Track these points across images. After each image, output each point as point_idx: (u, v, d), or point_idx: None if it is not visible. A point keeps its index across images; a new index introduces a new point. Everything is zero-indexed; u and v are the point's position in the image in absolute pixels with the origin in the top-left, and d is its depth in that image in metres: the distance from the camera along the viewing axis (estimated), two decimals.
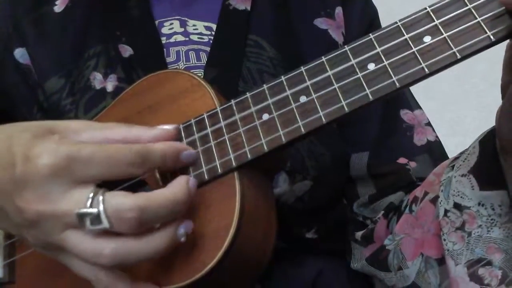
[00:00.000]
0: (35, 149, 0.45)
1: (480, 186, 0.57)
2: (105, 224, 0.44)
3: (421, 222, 0.63)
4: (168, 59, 0.72)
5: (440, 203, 0.60)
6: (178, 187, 0.48)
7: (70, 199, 0.45)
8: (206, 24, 0.75)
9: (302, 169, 0.67)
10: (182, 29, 0.75)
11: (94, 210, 0.44)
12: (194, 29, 0.75)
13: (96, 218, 0.44)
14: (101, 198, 0.44)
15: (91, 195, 0.45)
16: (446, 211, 0.59)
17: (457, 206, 0.58)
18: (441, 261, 0.61)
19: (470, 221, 0.58)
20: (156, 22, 0.75)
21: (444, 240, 0.59)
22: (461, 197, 0.58)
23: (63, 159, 0.45)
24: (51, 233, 0.46)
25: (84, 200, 0.45)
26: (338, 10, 0.77)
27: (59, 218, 0.45)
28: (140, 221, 0.44)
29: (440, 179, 0.62)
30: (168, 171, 0.53)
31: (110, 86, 0.71)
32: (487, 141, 0.57)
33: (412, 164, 0.73)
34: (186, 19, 0.76)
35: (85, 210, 0.44)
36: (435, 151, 0.75)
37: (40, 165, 0.45)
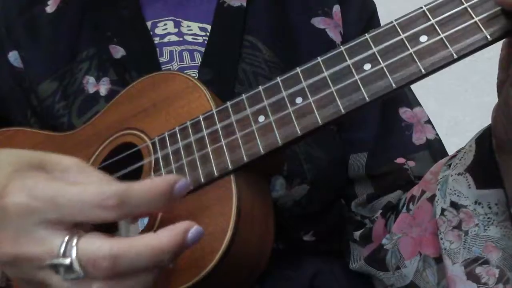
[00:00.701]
0: (10, 186, 0.44)
1: (476, 185, 0.57)
2: (79, 274, 0.42)
3: (419, 221, 0.63)
4: (161, 59, 0.72)
5: (437, 202, 0.60)
6: (171, 236, 0.44)
7: (43, 242, 0.43)
8: (201, 25, 0.75)
9: (300, 173, 0.67)
10: (176, 30, 0.74)
11: (66, 262, 0.42)
12: (188, 30, 0.74)
13: (69, 268, 0.42)
14: (74, 244, 0.42)
15: (66, 239, 0.43)
16: (443, 210, 0.59)
17: (453, 204, 0.59)
18: (439, 260, 0.61)
19: (467, 220, 0.58)
20: (150, 22, 0.75)
21: (441, 239, 0.59)
22: (458, 195, 0.58)
23: (34, 200, 0.43)
24: (30, 273, 0.44)
25: (57, 247, 0.43)
26: (336, 9, 0.77)
27: (34, 261, 0.43)
28: (114, 270, 0.42)
29: (437, 177, 0.62)
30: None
31: (103, 89, 0.70)
32: (484, 140, 0.57)
33: (411, 164, 0.73)
34: (180, 20, 0.75)
35: (57, 261, 0.42)
36: (434, 149, 0.75)
37: (11, 204, 0.43)
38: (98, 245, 0.42)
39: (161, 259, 0.43)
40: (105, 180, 0.46)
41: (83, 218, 0.43)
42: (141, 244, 0.43)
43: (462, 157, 0.59)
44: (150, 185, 0.44)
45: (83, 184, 0.44)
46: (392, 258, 0.65)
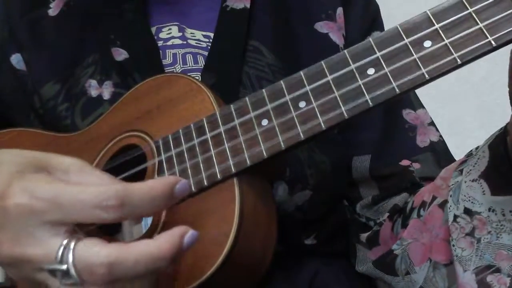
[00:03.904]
0: (11, 188, 0.47)
1: (491, 191, 0.60)
2: (75, 280, 0.45)
3: (429, 227, 0.66)
4: (165, 62, 0.75)
5: (449, 208, 0.63)
6: (167, 241, 0.46)
7: (42, 244, 0.46)
8: (204, 33, 0.78)
9: (302, 178, 0.70)
10: (180, 34, 0.78)
11: (63, 267, 0.44)
12: (192, 35, 0.78)
13: (66, 274, 0.45)
14: (71, 249, 0.45)
15: (64, 242, 0.45)
16: (455, 217, 0.62)
17: (467, 211, 0.61)
18: (449, 265, 0.64)
19: (480, 227, 0.60)
20: (154, 28, 0.78)
21: (453, 246, 0.62)
22: (472, 202, 0.61)
23: (36, 200, 0.46)
24: (30, 274, 0.47)
25: (55, 251, 0.45)
26: (339, 11, 0.79)
27: (34, 263, 0.46)
28: (110, 277, 0.44)
29: (448, 183, 0.64)
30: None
31: (106, 92, 0.74)
32: (497, 145, 0.60)
33: (416, 166, 0.76)
34: (185, 27, 0.79)
35: (53, 266, 0.45)
36: (438, 151, 0.78)
37: (12, 205, 0.46)
38: (95, 252, 0.45)
39: (158, 266, 0.46)
40: (106, 180, 0.49)
41: (84, 219, 0.46)
42: (139, 251, 0.45)
43: (475, 163, 0.62)
44: (151, 186, 0.47)
45: (84, 184, 0.48)
46: (402, 263, 0.68)
